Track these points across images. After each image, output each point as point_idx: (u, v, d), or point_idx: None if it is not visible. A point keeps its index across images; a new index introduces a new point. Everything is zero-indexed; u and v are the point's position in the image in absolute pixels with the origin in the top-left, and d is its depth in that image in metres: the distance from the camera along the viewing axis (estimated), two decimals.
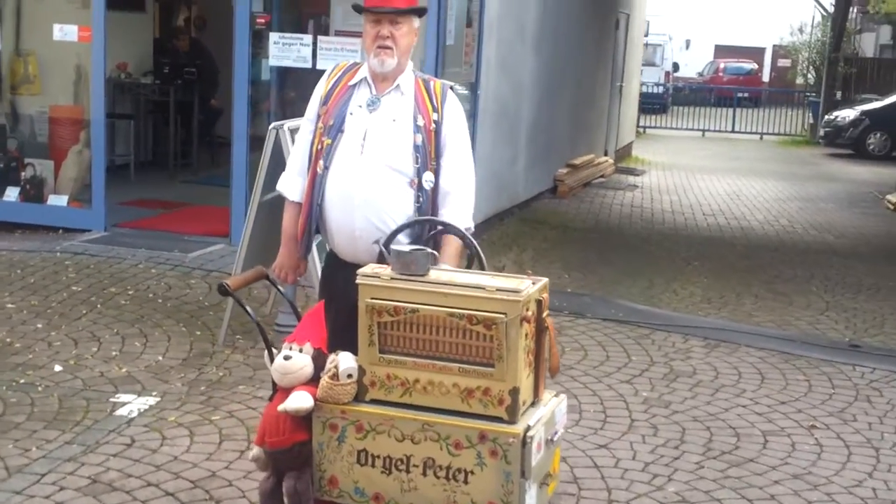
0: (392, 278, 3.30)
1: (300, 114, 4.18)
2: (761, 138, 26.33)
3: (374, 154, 3.73)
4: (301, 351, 3.42)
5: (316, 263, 5.37)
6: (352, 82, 3.83)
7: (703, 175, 17.47)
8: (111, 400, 5.27)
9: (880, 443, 5.26)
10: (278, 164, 5.55)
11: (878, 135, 22.34)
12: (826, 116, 23.94)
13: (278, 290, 4.09)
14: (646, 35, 23.97)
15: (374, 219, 3.72)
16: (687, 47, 43.86)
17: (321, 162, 3.78)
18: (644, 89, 24.47)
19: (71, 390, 5.37)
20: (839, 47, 26.47)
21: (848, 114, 22.83)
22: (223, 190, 8.87)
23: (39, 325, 6.32)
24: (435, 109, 3.79)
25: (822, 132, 23.86)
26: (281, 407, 3.36)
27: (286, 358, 3.41)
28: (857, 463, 5.01)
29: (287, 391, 3.39)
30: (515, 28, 10.85)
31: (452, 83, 4.08)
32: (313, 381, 3.39)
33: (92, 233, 8.57)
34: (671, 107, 31.20)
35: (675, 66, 38.02)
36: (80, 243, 8.22)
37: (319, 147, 3.79)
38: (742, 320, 7.71)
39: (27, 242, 8.26)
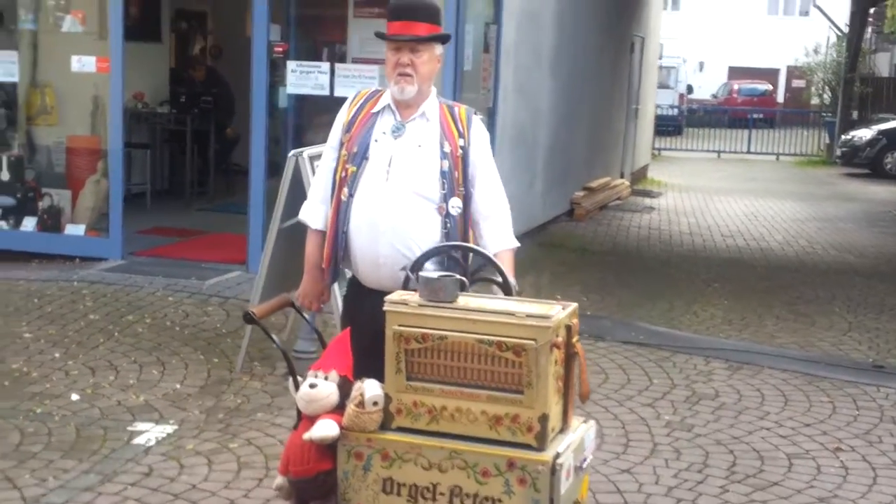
0: (420, 305, 3.26)
1: (317, 141, 4.16)
2: (777, 159, 26.30)
3: (400, 181, 3.69)
4: (327, 378, 3.38)
5: (335, 290, 5.34)
6: (375, 109, 3.80)
7: (720, 196, 17.40)
8: (128, 429, 5.23)
9: None
10: (297, 191, 5.55)
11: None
12: (843, 136, 23.90)
13: (303, 317, 4.06)
14: (660, 58, 24.00)
15: (399, 246, 3.68)
16: (701, 69, 43.92)
17: (346, 189, 3.74)
18: (658, 112, 24.48)
19: (88, 419, 5.34)
20: (855, 67, 26.46)
21: (864, 133, 22.80)
22: (239, 217, 8.88)
23: (57, 355, 6.30)
24: (461, 135, 3.77)
25: (838, 152, 23.83)
26: (307, 435, 3.31)
27: (312, 386, 3.36)
28: (884, 485, 4.94)
29: (312, 419, 3.35)
30: (532, 53, 10.86)
31: (474, 109, 4.06)
32: (339, 408, 3.35)
33: (109, 261, 8.57)
34: (686, 129, 31.20)
35: (689, 89, 38.04)
36: (97, 272, 8.22)
37: (343, 174, 3.76)
38: (764, 342, 7.64)
39: (44, 272, 8.26)
